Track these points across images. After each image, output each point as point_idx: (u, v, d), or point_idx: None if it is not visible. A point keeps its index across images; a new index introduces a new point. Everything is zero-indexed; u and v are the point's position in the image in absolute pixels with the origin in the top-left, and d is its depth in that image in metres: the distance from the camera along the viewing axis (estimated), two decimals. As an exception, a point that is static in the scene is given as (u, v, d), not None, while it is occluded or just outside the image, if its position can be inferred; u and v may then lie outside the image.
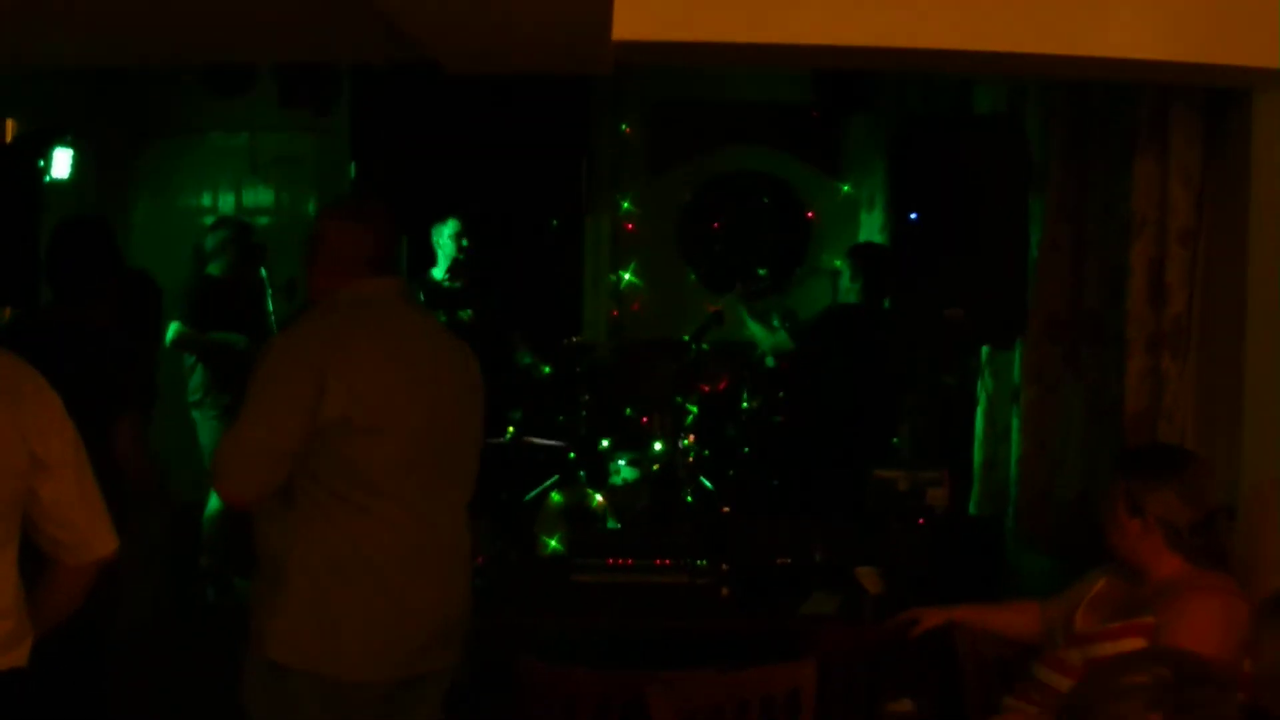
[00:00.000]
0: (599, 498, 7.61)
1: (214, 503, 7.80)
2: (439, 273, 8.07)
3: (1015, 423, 6.38)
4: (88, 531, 3.53)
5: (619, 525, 7.28)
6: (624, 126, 10.34)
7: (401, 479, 3.84)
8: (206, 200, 10.31)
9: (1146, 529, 3.93)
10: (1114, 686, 2.58)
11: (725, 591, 5.43)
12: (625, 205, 10.37)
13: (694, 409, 8.31)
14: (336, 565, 3.79)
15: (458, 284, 8.04)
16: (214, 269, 8.32)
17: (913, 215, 6.14)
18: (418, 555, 3.90)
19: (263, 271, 8.41)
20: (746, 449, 8.06)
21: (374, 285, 3.97)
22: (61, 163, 8.60)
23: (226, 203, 10.28)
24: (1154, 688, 2.54)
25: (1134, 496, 3.95)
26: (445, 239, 8.05)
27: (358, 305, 3.94)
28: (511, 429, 7.75)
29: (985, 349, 6.85)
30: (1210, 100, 4.99)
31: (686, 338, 8.18)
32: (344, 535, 3.79)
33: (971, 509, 6.90)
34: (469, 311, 8.00)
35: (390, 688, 3.91)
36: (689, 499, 7.37)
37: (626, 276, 10.38)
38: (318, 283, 4.05)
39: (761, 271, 10.38)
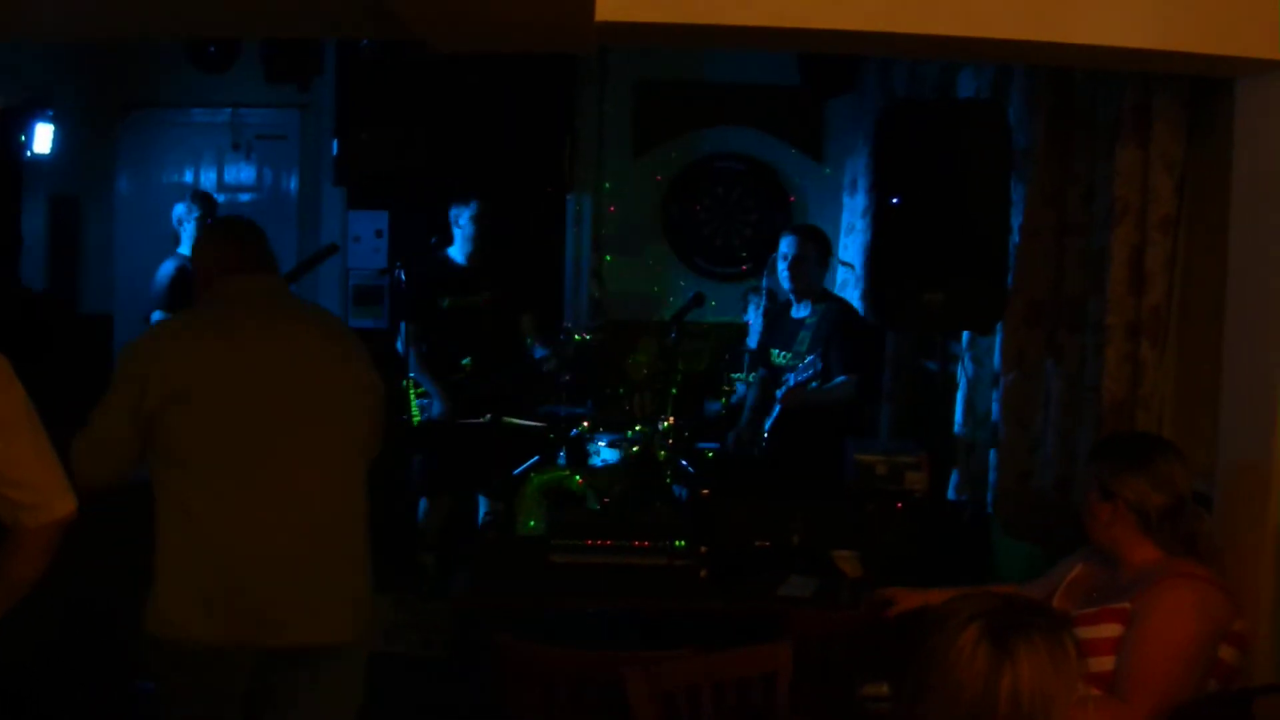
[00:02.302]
0: (578, 479, 7.61)
1: None
2: (457, 253, 8.04)
3: (995, 407, 6.39)
4: (46, 491, 3.53)
5: (598, 506, 7.28)
6: (607, 106, 10.32)
7: (223, 449, 4.06)
8: (189, 176, 10.27)
9: (1117, 514, 3.95)
10: (943, 609, 2.74)
11: (703, 573, 5.43)
12: (607, 186, 10.37)
13: (674, 390, 8.31)
14: (172, 533, 4.07)
15: (473, 265, 8.01)
16: (186, 247, 8.25)
17: (894, 199, 6.14)
18: (252, 525, 4.07)
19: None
20: (726, 432, 8.07)
21: (230, 283, 4.30)
22: (43, 138, 8.59)
23: (209, 179, 10.24)
24: (974, 604, 2.67)
25: (1105, 482, 3.97)
26: (465, 220, 8.02)
27: (212, 302, 4.31)
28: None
29: (965, 333, 6.86)
30: (1193, 88, 5.00)
31: (668, 317, 8.16)
32: (176, 505, 4.06)
33: (950, 493, 6.91)
34: (485, 294, 7.98)
35: (247, 658, 4.07)
36: (669, 481, 7.37)
37: (608, 258, 10.39)
38: (198, 292, 4.43)
39: (743, 254, 10.41)
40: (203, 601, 4.02)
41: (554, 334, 8.22)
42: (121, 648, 4.96)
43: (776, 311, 7.67)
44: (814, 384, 6.89)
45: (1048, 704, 2.62)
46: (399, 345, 7.85)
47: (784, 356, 7.18)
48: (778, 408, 7.05)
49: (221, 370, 4.10)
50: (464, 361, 7.83)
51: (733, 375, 8.42)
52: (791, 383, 6.95)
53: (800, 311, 7.22)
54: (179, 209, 8.40)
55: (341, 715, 4.31)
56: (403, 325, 7.89)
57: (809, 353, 6.98)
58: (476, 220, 7.92)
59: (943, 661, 2.66)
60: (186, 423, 4.04)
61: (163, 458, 4.07)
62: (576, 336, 8.22)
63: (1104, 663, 3.78)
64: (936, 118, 6.33)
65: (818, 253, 7.26)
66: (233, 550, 4.04)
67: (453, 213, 7.97)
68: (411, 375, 7.77)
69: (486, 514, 7.95)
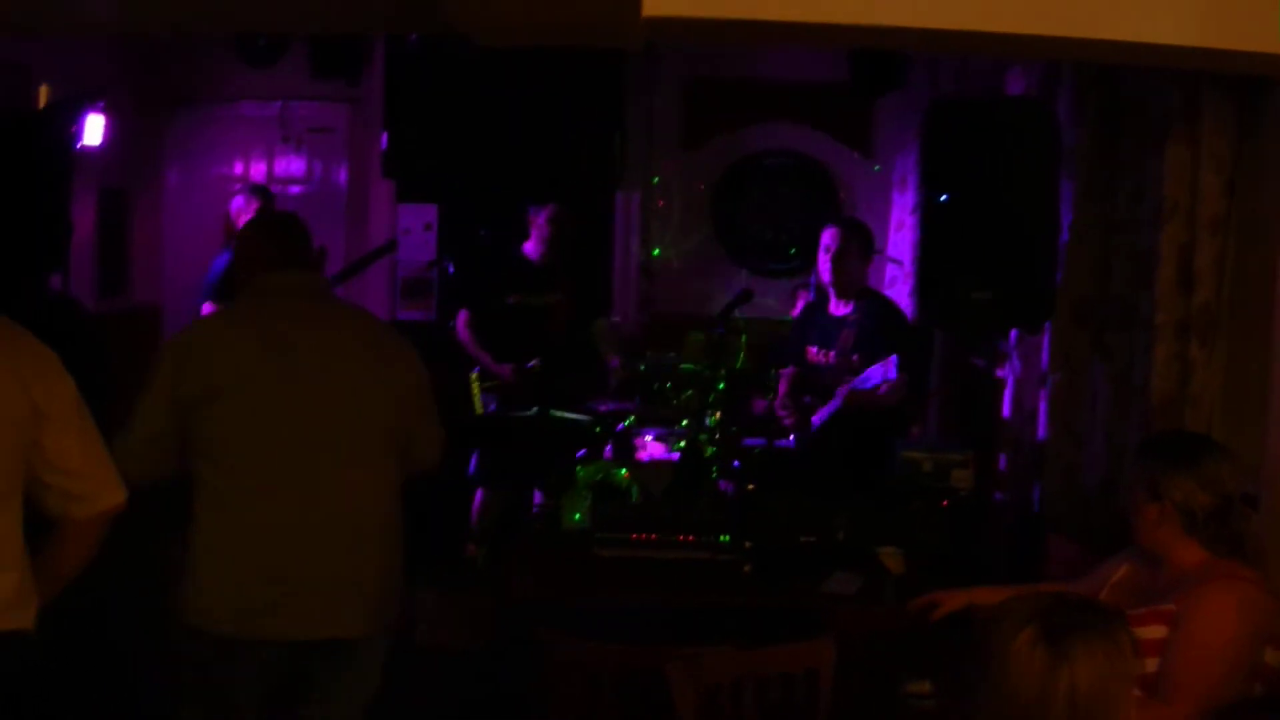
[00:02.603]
0: (624, 473, 7.61)
1: None
2: (531, 252, 8.09)
3: (1042, 406, 6.36)
4: (94, 481, 3.57)
5: (643, 501, 7.28)
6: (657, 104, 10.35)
7: (253, 445, 4.13)
8: (238, 170, 10.32)
9: (1164, 515, 3.92)
10: (997, 610, 2.69)
11: (747, 569, 5.44)
12: (656, 181, 10.37)
13: (722, 385, 8.30)
14: (208, 526, 4.13)
15: (546, 264, 8.05)
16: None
17: (943, 196, 6.12)
18: (279, 521, 4.13)
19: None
20: (771, 427, 8.05)
21: (270, 280, 4.33)
22: (93, 130, 8.64)
23: (258, 172, 10.29)
24: (1030, 604, 2.61)
25: (1153, 482, 3.94)
26: (543, 221, 8.07)
27: (250, 299, 4.37)
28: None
29: (1013, 332, 6.83)
30: (1243, 86, 4.96)
31: (716, 313, 8.14)
32: (211, 499, 4.12)
33: (997, 492, 6.89)
34: (556, 295, 8.02)
35: (272, 651, 4.13)
36: (715, 475, 7.36)
37: (657, 253, 10.40)
38: (238, 286, 4.46)
39: (793, 250, 10.40)
40: (235, 595, 4.09)
41: (629, 345, 8.24)
42: (115, 644, 5.00)
43: (814, 307, 7.59)
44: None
45: (1106, 704, 2.61)
46: (460, 332, 7.91)
47: (824, 354, 7.14)
48: (833, 404, 6.98)
49: (254, 368, 4.15)
50: (529, 365, 7.85)
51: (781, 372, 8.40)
52: (854, 385, 6.86)
53: (840, 309, 7.13)
54: (237, 202, 8.46)
55: (356, 705, 4.38)
56: (461, 313, 7.96)
57: (853, 352, 6.94)
58: (553, 222, 7.98)
59: (998, 663, 2.65)
60: (219, 418, 4.10)
61: (198, 452, 4.13)
62: (649, 354, 8.24)
63: (1148, 664, 3.75)
64: (985, 115, 6.30)
65: (860, 247, 7.12)
66: (260, 544, 4.11)
67: (531, 212, 8.02)
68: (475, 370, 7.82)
69: (539, 507, 7.97)
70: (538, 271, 8.02)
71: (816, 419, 7.12)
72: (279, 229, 4.50)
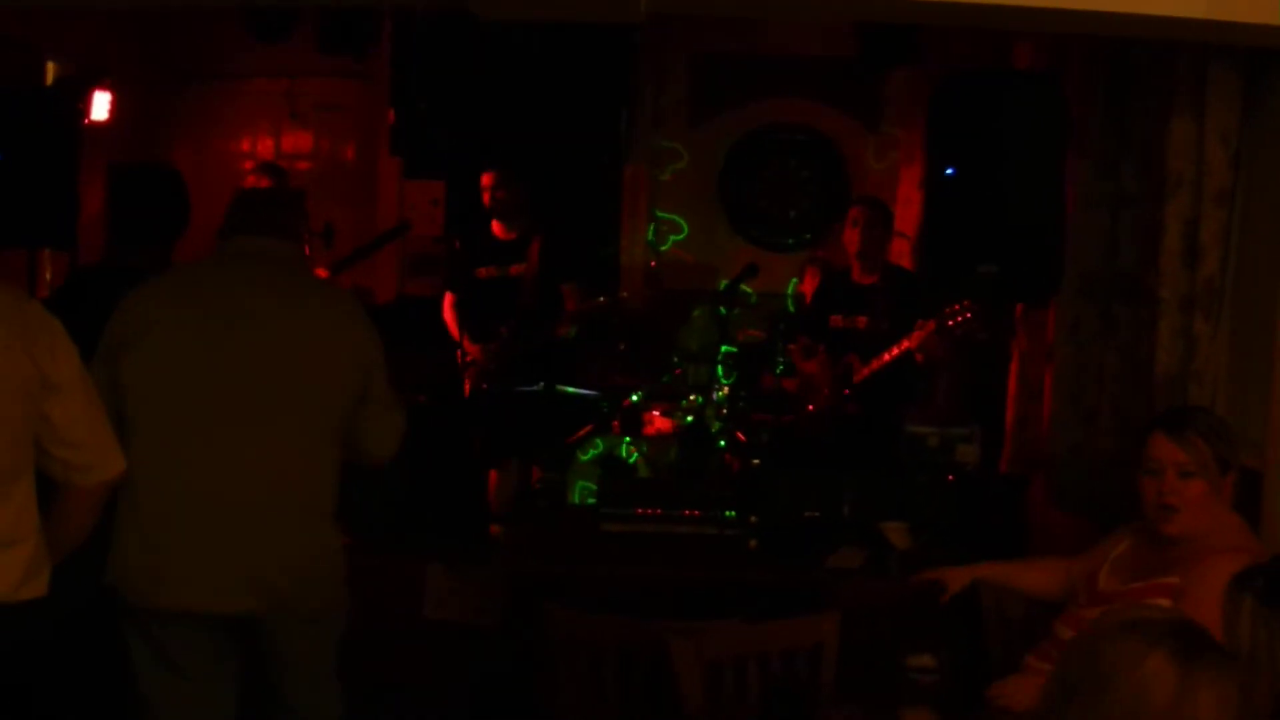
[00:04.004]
0: (631, 448, 7.63)
1: None
2: (494, 224, 8.07)
3: (1048, 381, 6.35)
4: (97, 452, 3.61)
5: (650, 475, 7.30)
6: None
7: (159, 406, 4.04)
8: (246, 146, 10.32)
9: (1232, 487, 3.94)
10: (1121, 620, 2.57)
11: (753, 544, 5.45)
12: (664, 153, 10.37)
13: (730, 360, 8.32)
14: (124, 490, 3.99)
15: (513, 236, 8.02)
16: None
17: (949, 170, 6.11)
18: (175, 487, 4.02)
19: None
20: (780, 402, 8.06)
21: (235, 243, 4.31)
22: (100, 106, 8.64)
23: (266, 148, 10.29)
24: (1160, 624, 2.54)
25: (1221, 456, 3.93)
26: (483, 188, 8.05)
27: (215, 256, 4.38)
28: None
29: (1020, 305, 6.82)
30: (1249, 59, 4.94)
31: (723, 285, 8.14)
32: (130, 460, 3.94)
33: (1002, 466, 6.89)
34: (521, 264, 7.98)
35: (188, 624, 4.06)
36: (722, 450, 7.38)
37: (666, 246, 10.40)
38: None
39: (801, 225, 10.39)
40: (132, 558, 4.03)
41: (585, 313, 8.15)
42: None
43: (836, 278, 7.69)
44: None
45: None
46: (445, 315, 7.91)
47: (850, 321, 7.21)
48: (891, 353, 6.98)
49: (175, 325, 4.09)
50: (501, 329, 7.82)
51: (789, 346, 8.41)
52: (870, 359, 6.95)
53: (866, 279, 7.31)
54: (249, 181, 8.45)
55: (309, 679, 4.31)
56: (445, 296, 7.97)
57: (881, 318, 7.01)
58: (489, 190, 7.95)
59: (1121, 683, 2.55)
60: (132, 375, 4.03)
61: (123, 414, 4.04)
62: (601, 299, 8.16)
63: (1151, 637, 3.76)
64: (992, 89, 6.28)
65: (884, 222, 7.42)
66: (155, 510, 4.02)
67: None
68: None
69: (538, 482, 7.97)
70: (503, 244, 7.99)
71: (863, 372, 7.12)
72: (260, 197, 4.58)
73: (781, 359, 8.26)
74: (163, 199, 5.20)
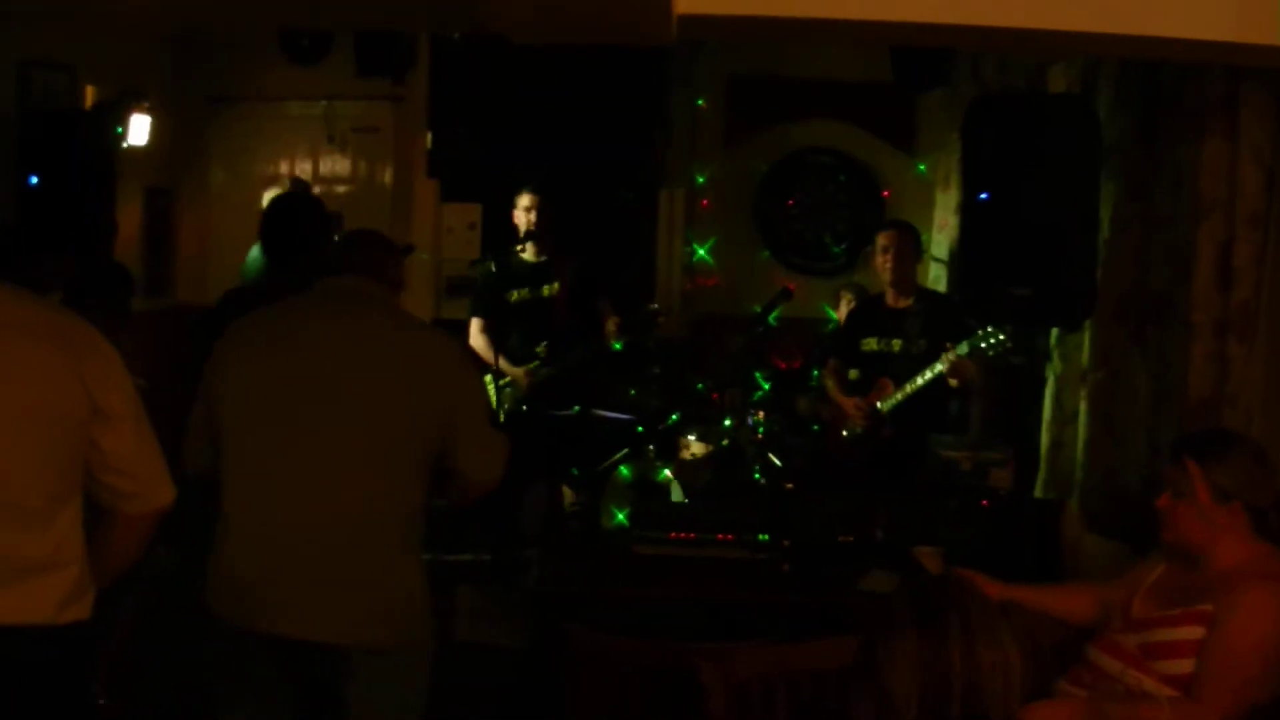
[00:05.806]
0: (666, 471, 7.63)
1: None
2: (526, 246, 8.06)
3: (1082, 405, 6.32)
4: (146, 481, 3.61)
5: (684, 499, 7.29)
6: (700, 101, 10.35)
7: (252, 442, 4.13)
8: (283, 168, 10.35)
9: (1233, 516, 3.88)
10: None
11: (785, 567, 5.44)
12: (700, 180, 10.38)
13: (765, 385, 8.31)
14: (222, 514, 4.15)
15: (544, 258, 8.01)
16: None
17: (983, 194, 6.10)
18: (268, 517, 4.10)
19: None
20: (816, 426, 8.05)
21: (325, 284, 4.39)
22: (139, 129, 8.69)
23: (303, 171, 10.32)
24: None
25: (1219, 485, 3.88)
26: (518, 212, 8.05)
27: (304, 296, 4.43)
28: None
29: (1054, 330, 6.80)
30: (1282, 80, 4.94)
31: (757, 310, 8.11)
32: (225, 493, 4.14)
33: (1036, 491, 6.86)
34: (555, 285, 7.98)
35: (265, 647, 4.07)
36: (757, 475, 7.37)
37: (700, 251, 10.40)
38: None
39: (836, 250, 10.38)
40: (224, 583, 4.11)
41: (635, 319, 8.12)
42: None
43: (870, 302, 7.65)
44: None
45: None
46: (472, 340, 7.92)
47: (885, 344, 7.16)
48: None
49: (269, 367, 4.19)
50: (538, 349, 7.81)
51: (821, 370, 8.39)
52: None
53: (900, 303, 7.24)
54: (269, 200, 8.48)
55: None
56: (472, 321, 7.98)
57: (919, 338, 6.97)
58: (528, 212, 7.95)
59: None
60: (229, 411, 4.15)
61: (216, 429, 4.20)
62: (653, 306, 8.14)
63: (1184, 665, 3.74)
64: (1025, 112, 6.28)
65: (914, 246, 7.33)
66: (246, 538, 4.11)
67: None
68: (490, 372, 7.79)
69: (570, 505, 7.96)
70: (534, 266, 7.99)
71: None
72: (356, 238, 4.65)
73: (815, 384, 8.24)
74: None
